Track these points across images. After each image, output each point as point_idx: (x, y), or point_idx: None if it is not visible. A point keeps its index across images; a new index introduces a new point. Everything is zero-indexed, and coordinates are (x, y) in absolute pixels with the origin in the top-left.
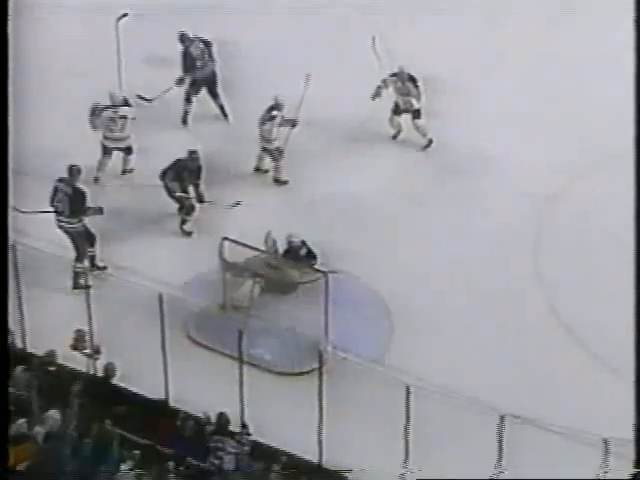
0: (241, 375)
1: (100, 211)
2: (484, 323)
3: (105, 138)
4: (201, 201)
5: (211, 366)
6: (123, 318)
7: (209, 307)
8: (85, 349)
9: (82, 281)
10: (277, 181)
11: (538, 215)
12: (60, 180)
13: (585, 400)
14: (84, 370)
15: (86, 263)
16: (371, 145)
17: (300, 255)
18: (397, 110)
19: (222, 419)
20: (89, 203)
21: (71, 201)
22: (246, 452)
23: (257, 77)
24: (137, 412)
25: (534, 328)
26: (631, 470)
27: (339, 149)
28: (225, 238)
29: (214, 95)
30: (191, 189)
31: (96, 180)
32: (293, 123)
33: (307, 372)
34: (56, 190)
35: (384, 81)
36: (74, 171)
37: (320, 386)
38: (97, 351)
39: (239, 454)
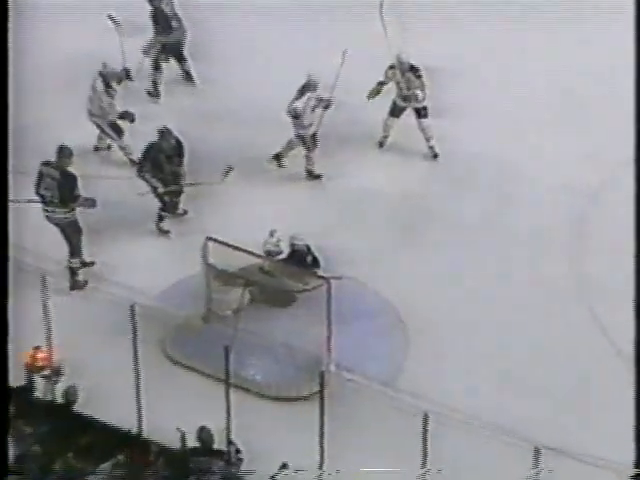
0: (228, 400)
1: (93, 204)
2: (514, 338)
3: None
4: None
5: (192, 389)
6: (88, 332)
7: (190, 318)
8: (43, 370)
9: (80, 279)
10: (310, 174)
11: (574, 215)
12: (46, 164)
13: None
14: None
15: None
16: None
17: (305, 262)
18: (394, 111)
19: (203, 434)
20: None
21: (60, 187)
22: (235, 474)
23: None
24: (104, 445)
25: (574, 343)
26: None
27: (346, 147)
28: (209, 238)
29: (181, 58)
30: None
31: (96, 149)
32: (327, 104)
33: (306, 396)
34: (41, 175)
35: (385, 73)
36: (65, 152)
37: (321, 413)
38: (57, 372)
39: (227, 476)
